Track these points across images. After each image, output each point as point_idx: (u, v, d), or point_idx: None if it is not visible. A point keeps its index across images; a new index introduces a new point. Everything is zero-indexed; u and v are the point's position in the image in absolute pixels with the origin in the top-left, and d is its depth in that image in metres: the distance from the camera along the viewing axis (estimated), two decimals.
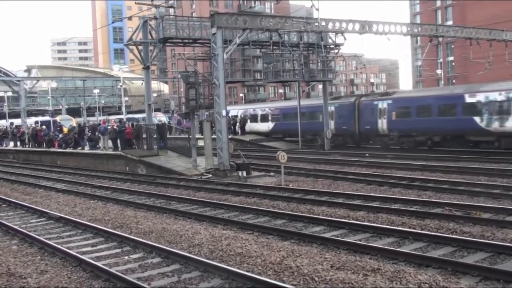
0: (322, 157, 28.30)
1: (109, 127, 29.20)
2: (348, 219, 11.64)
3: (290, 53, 30.32)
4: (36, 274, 8.47)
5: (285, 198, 15.02)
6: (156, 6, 26.54)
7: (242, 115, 43.62)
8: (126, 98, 71.67)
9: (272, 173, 21.62)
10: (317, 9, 27.06)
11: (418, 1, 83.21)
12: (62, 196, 18.16)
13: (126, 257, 9.39)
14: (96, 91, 69.20)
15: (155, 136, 26.42)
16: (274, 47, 29.29)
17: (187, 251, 9.37)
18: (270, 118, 41.79)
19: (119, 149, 27.31)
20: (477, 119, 26.16)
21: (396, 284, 7.03)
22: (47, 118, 52.34)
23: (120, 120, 32.25)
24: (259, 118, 42.87)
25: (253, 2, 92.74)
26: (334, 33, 29.89)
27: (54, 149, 33.83)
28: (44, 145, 35.40)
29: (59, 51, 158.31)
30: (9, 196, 18.27)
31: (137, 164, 24.81)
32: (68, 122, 46.95)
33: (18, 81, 52.02)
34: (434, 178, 17.52)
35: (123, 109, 58.51)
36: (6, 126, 50.47)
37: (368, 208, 12.75)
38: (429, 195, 14.63)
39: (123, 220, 12.72)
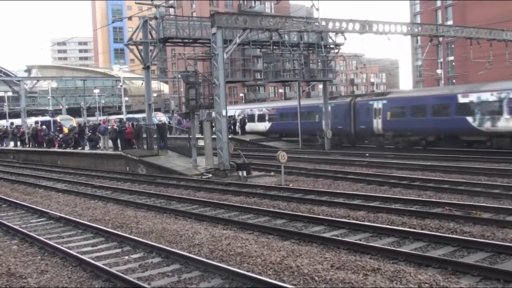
0: (322, 157, 28.31)
1: (109, 127, 29.20)
2: (348, 219, 11.64)
3: (290, 53, 30.35)
4: (36, 274, 8.47)
5: (285, 198, 15.02)
6: (156, 6, 26.56)
7: (240, 115, 43.68)
8: (126, 98, 71.69)
9: (272, 173, 21.62)
10: (317, 9, 27.09)
11: (418, 1, 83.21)
12: (63, 196, 18.16)
13: (126, 257, 9.39)
14: (96, 91, 69.24)
15: (155, 136, 26.42)
16: (274, 47, 29.31)
17: (187, 251, 9.37)
18: (267, 118, 42.09)
19: (119, 149, 27.32)
20: (469, 119, 26.45)
21: (396, 284, 7.03)
22: (47, 118, 52.38)
23: (120, 120, 32.25)
24: (256, 118, 43.13)
25: (253, 2, 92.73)
26: (334, 33, 29.90)
27: (54, 149, 33.84)
28: (44, 145, 35.41)
29: (59, 51, 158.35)
30: (9, 196, 18.28)
31: (137, 164, 24.81)
32: (68, 122, 46.98)
33: (18, 81, 52.05)
34: (435, 178, 17.52)
35: (123, 109, 58.56)
36: (6, 126, 50.49)
37: (368, 208, 12.75)
38: (429, 195, 14.63)
39: (123, 220, 12.72)
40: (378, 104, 32.02)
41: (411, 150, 28.57)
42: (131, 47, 28.63)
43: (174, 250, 9.28)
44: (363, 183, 17.42)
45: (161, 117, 49.26)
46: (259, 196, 15.67)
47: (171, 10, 31.78)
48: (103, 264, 8.66)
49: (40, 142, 36.25)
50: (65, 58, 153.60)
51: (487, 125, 25.74)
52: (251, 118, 43.31)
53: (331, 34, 30.89)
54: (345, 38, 30.36)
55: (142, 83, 33.17)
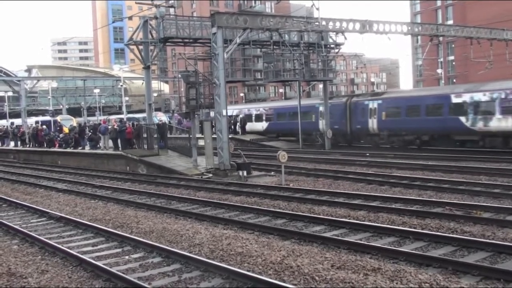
0: (323, 156, 28.31)
1: (109, 127, 29.20)
2: (349, 219, 11.64)
3: (290, 53, 30.36)
4: (36, 274, 8.47)
5: (286, 198, 15.02)
6: (157, 6, 26.56)
7: (238, 115, 43.79)
8: (127, 98, 71.68)
9: (272, 173, 21.62)
10: (317, 9, 27.05)
11: (418, 1, 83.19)
12: (63, 196, 18.16)
13: (127, 257, 9.39)
14: (96, 91, 69.25)
15: (155, 135, 26.42)
16: (274, 47, 29.32)
17: (187, 251, 9.37)
18: (264, 118, 42.40)
19: (120, 149, 27.31)
20: (462, 119, 26.74)
21: (397, 283, 7.03)
22: (47, 118, 52.39)
23: (121, 120, 32.26)
24: (253, 118, 43.43)
25: (253, 1, 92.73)
26: (334, 33, 29.93)
27: (54, 149, 33.85)
28: (45, 145, 35.42)
29: (59, 51, 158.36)
30: (9, 196, 18.29)
31: (138, 164, 24.82)
32: (69, 122, 47.00)
33: (19, 81, 52.08)
34: (435, 178, 17.51)
35: (124, 109, 58.56)
36: (7, 126, 50.51)
37: (369, 208, 12.75)
38: (430, 194, 14.63)
39: (123, 220, 12.73)
40: (373, 104, 32.30)
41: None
42: (131, 47, 28.64)
43: (174, 250, 9.28)
44: (364, 183, 17.42)
45: (161, 117, 49.26)
46: (259, 196, 15.67)
47: (171, 10, 31.78)
48: (104, 264, 8.66)
49: (41, 142, 36.26)
50: (66, 58, 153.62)
51: (480, 125, 26.04)
52: (248, 118, 43.56)
53: (331, 33, 30.91)
54: (345, 38, 30.45)
55: (143, 83, 33.19)
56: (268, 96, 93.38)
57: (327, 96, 34.64)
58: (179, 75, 30.93)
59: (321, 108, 35.73)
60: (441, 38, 41.99)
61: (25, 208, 15.57)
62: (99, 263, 8.67)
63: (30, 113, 59.97)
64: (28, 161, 35.16)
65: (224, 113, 21.75)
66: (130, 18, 46.42)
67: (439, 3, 78.86)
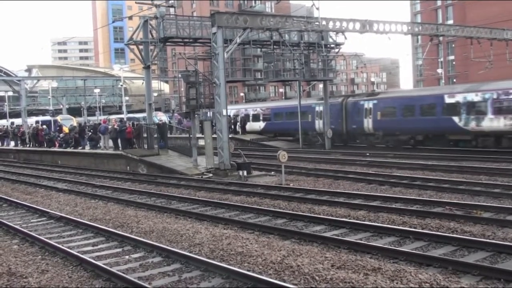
0: (323, 156, 28.31)
1: (109, 127, 29.20)
2: (349, 218, 11.64)
3: (290, 53, 30.34)
4: (37, 273, 8.47)
5: (286, 198, 15.02)
6: (157, 6, 26.55)
7: (236, 115, 43.95)
8: (127, 98, 71.73)
9: (272, 173, 21.62)
10: (317, 8, 27.06)
11: (418, 0, 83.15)
12: (63, 195, 18.17)
13: (127, 257, 9.40)
14: (96, 90, 69.24)
15: (155, 135, 26.43)
16: (274, 47, 29.31)
17: (187, 251, 9.37)
18: (261, 118, 42.70)
19: (120, 148, 27.32)
20: (455, 119, 27.11)
21: (397, 283, 7.03)
22: (47, 117, 52.40)
23: (121, 120, 32.25)
24: (251, 118, 43.68)
25: (253, 1, 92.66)
26: (334, 32, 29.93)
27: (54, 149, 33.85)
28: (45, 145, 35.42)
29: (59, 51, 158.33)
30: (10, 196, 18.29)
31: (138, 164, 24.82)
32: (69, 122, 46.99)
33: (19, 80, 52.05)
34: (435, 178, 17.52)
35: (124, 109, 58.56)
36: (7, 126, 50.51)
37: (369, 207, 12.74)
38: (430, 194, 14.63)
39: (123, 220, 12.73)
40: (368, 104, 32.65)
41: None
42: (131, 46, 28.63)
43: (174, 250, 9.28)
44: (364, 183, 17.42)
45: (161, 117, 49.28)
46: (259, 196, 15.67)
47: (172, 10, 31.78)
48: (104, 264, 8.66)
49: (41, 141, 36.27)
50: (66, 58, 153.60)
51: (472, 124, 26.40)
52: (246, 118, 43.83)
53: (331, 33, 30.90)
54: (345, 38, 30.51)
55: (143, 83, 33.21)
56: (268, 96, 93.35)
57: (327, 96, 34.65)
58: (179, 75, 30.89)
59: (317, 108, 36.19)
60: (441, 38, 41.99)
61: (25, 208, 15.58)
62: (99, 263, 8.67)
63: (30, 113, 59.95)
64: (28, 161, 35.17)
65: (224, 112, 21.76)
66: (130, 18, 46.47)
67: (439, 3, 78.83)
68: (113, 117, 51.95)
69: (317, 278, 7.35)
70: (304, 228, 11.11)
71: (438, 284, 6.89)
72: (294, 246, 9.35)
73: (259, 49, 37.16)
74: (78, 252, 9.63)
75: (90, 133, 31.91)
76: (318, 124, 36.01)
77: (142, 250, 9.76)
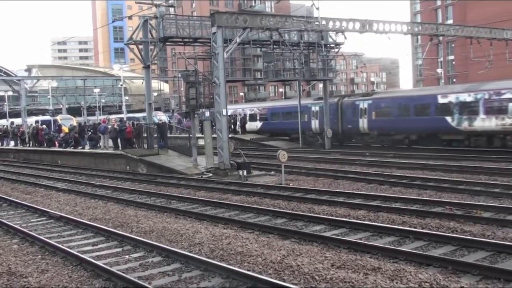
0: (323, 156, 28.32)
1: (109, 126, 29.20)
2: (349, 218, 11.64)
3: (290, 52, 30.36)
4: (37, 273, 8.47)
5: (286, 197, 15.02)
6: (157, 5, 26.55)
7: (233, 115, 44.13)
8: (127, 97, 71.72)
9: (272, 172, 21.62)
10: (317, 8, 27.09)
11: (418, 0, 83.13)
12: (63, 195, 18.16)
13: (127, 256, 9.39)
14: (96, 90, 69.28)
15: (155, 135, 26.43)
16: (274, 46, 29.32)
17: (187, 250, 9.37)
18: (258, 117, 43.09)
19: (120, 148, 27.31)
20: (448, 118, 27.52)
21: (397, 283, 7.03)
22: (47, 117, 52.40)
23: (121, 119, 32.24)
24: (248, 118, 44.05)
25: (253, 1, 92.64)
26: (334, 32, 29.93)
27: (54, 149, 33.84)
28: (45, 145, 35.41)
29: (59, 51, 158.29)
30: (10, 196, 18.29)
31: (138, 163, 24.82)
32: (69, 122, 46.98)
33: (19, 80, 52.01)
34: (435, 177, 17.52)
35: (124, 108, 58.57)
36: (7, 126, 50.50)
37: (369, 207, 12.75)
38: (430, 194, 14.64)
39: (123, 219, 12.73)
40: (363, 104, 33.01)
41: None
42: (131, 46, 28.63)
43: (174, 249, 9.28)
44: (364, 182, 17.42)
45: (161, 116, 49.25)
46: (259, 195, 15.67)
47: (171, 10, 31.77)
48: (104, 263, 8.66)
49: (41, 141, 36.26)
50: (65, 58, 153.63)
51: (465, 124, 26.79)
52: (245, 117, 44.08)
53: (331, 33, 30.90)
54: (345, 37, 30.51)
55: (142, 83, 33.17)
56: (268, 96, 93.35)
57: (327, 96, 34.70)
58: (179, 75, 30.90)
59: (313, 108, 36.63)
60: (441, 38, 41.98)
61: (25, 208, 15.57)
62: (99, 263, 8.67)
63: (30, 113, 59.95)
64: (28, 161, 35.16)
65: (224, 112, 21.76)
66: (130, 17, 46.48)
67: (439, 2, 78.81)
68: (113, 116, 51.93)
69: (317, 277, 7.35)
70: (304, 228, 11.11)
71: (438, 284, 6.89)
72: (294, 245, 9.35)
73: (259, 49, 37.13)
74: (78, 251, 9.63)
75: (90, 133, 31.91)
76: (315, 124, 36.47)
77: (142, 249, 9.76)
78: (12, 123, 54.12)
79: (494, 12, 50.00)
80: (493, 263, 8.10)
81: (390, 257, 8.48)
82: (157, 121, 33.93)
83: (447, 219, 11.03)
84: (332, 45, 32.83)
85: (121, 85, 61.63)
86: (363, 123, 32.86)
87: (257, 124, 42.81)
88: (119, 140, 27.45)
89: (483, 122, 25.93)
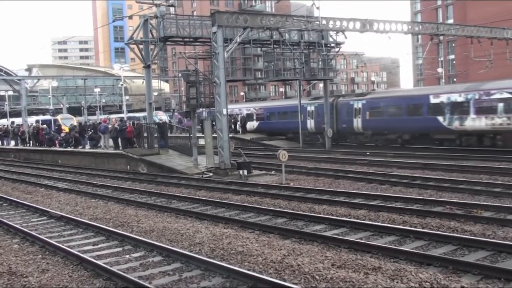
0: (323, 155, 28.32)
1: (109, 126, 29.20)
2: (349, 218, 11.64)
3: (291, 52, 30.36)
4: (37, 273, 8.47)
5: (286, 197, 15.02)
6: (157, 5, 26.54)
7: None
8: (127, 97, 71.72)
9: (273, 172, 21.62)
10: (317, 8, 27.08)
11: (419, 0, 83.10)
12: (63, 195, 18.17)
13: (127, 256, 9.40)
14: (97, 90, 69.27)
15: (156, 135, 26.43)
16: (274, 46, 29.32)
17: (188, 250, 9.37)
18: (255, 117, 43.43)
19: (120, 148, 27.32)
20: (440, 118, 27.92)
21: (397, 282, 7.03)
22: (47, 117, 52.41)
23: (121, 119, 32.25)
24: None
25: (253, 1, 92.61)
26: (335, 32, 29.90)
27: (55, 148, 33.85)
28: (45, 144, 35.42)
29: (59, 50, 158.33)
30: (10, 195, 18.29)
31: (138, 163, 24.82)
32: (69, 121, 47.01)
33: (19, 80, 52.07)
34: (435, 177, 17.52)
35: (124, 108, 58.58)
36: (7, 125, 50.52)
37: (369, 207, 12.75)
38: (430, 193, 14.63)
39: (124, 219, 12.73)
40: (358, 104, 33.39)
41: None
42: (131, 46, 28.61)
43: (175, 249, 9.28)
44: (364, 182, 17.42)
45: (162, 116, 49.24)
46: (260, 195, 15.67)
47: (172, 9, 31.76)
48: (104, 263, 8.66)
49: (41, 141, 36.27)
50: (66, 57, 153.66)
51: (456, 124, 27.19)
52: (245, 117, 44.12)
53: (331, 32, 30.88)
54: (345, 37, 30.47)
55: (143, 82, 33.18)
56: (268, 95, 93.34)
57: (327, 95, 34.73)
58: (180, 74, 30.93)
59: (308, 108, 36.95)
60: (441, 37, 41.95)
61: (26, 207, 15.57)
62: (100, 262, 8.67)
63: (31, 112, 60.02)
64: (28, 160, 35.17)
65: (225, 112, 21.75)
66: (130, 17, 46.44)
67: (439, 2, 78.77)
68: (113, 116, 51.96)
69: (317, 277, 7.35)
70: (305, 228, 11.11)
71: (439, 284, 6.89)
72: (294, 245, 9.35)
73: (259, 49, 37.16)
74: (78, 251, 9.63)
75: (90, 133, 31.91)
76: (310, 123, 36.83)
77: (142, 249, 9.76)
78: (12, 122, 54.14)
79: (494, 12, 49.94)
80: (494, 262, 8.10)
81: (391, 257, 8.48)
82: (157, 120, 33.94)
83: (447, 219, 11.03)
84: (332, 45, 32.83)
85: (122, 84, 61.66)
86: (357, 122, 33.23)
87: (254, 124, 43.24)
88: (119, 140, 27.46)
89: (474, 122, 26.34)
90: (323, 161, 25.09)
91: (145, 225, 11.83)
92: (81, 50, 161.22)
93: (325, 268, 7.70)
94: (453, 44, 72.30)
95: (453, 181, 16.35)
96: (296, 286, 7.03)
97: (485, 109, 25.93)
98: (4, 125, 49.87)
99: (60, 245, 10.08)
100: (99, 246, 10.35)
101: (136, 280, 7.64)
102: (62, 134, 34.91)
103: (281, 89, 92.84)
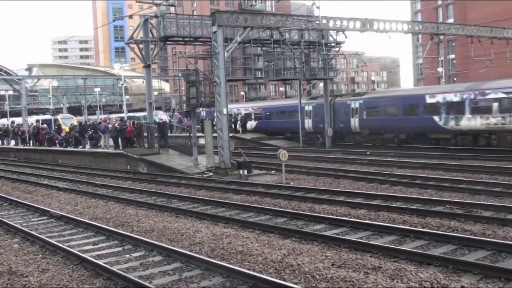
0: (323, 155, 28.31)
1: (110, 126, 29.20)
2: (349, 217, 11.64)
3: (291, 51, 30.36)
4: (37, 272, 8.47)
5: (286, 196, 15.02)
6: (157, 5, 26.52)
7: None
8: (127, 97, 71.70)
9: (273, 172, 21.62)
10: (317, 7, 27.07)
11: None
12: (64, 194, 18.17)
13: (128, 256, 9.40)
14: (97, 89, 69.25)
15: (156, 134, 26.43)
16: (275, 45, 29.32)
17: (188, 250, 9.37)
18: (253, 117, 43.66)
19: (120, 147, 27.32)
20: (436, 118, 28.10)
21: (397, 282, 7.03)
22: (48, 116, 52.41)
23: (121, 119, 32.24)
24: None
25: (253, 0, 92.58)
26: (335, 31, 29.89)
27: (55, 148, 33.85)
28: (45, 144, 35.41)
29: (60, 50, 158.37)
30: (10, 195, 18.29)
31: (138, 163, 24.82)
32: (69, 121, 47.01)
33: (19, 79, 52.06)
34: (435, 176, 17.51)
35: (124, 108, 58.57)
36: (7, 125, 50.52)
37: (369, 206, 12.75)
38: (430, 193, 14.63)
39: (124, 219, 12.73)
40: (355, 104, 33.55)
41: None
42: (132, 45, 28.61)
43: (175, 249, 9.28)
44: (364, 182, 17.42)
45: (162, 116, 49.23)
46: (260, 195, 15.67)
47: (172, 9, 31.74)
48: (104, 263, 8.66)
49: (41, 140, 36.27)
50: (66, 57, 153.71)
51: (452, 123, 27.39)
52: (246, 117, 44.25)
53: (331, 32, 30.88)
54: (345, 36, 30.46)
55: (143, 82, 33.16)
56: (269, 95, 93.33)
57: (328, 95, 34.75)
58: (180, 74, 30.90)
59: (306, 108, 37.09)
60: (441, 37, 41.94)
61: (26, 207, 15.58)
62: (100, 262, 8.67)
63: (31, 112, 60.01)
64: (28, 160, 35.17)
65: (225, 111, 21.75)
66: (130, 16, 46.44)
67: (439, 1, 78.70)
68: (113, 116, 51.95)
69: (317, 277, 7.35)
70: (305, 227, 11.11)
71: (439, 283, 6.89)
72: (294, 245, 9.35)
73: (259, 48, 37.25)
74: (78, 251, 9.63)
75: (90, 132, 31.91)
76: (308, 123, 36.98)
77: (142, 249, 9.76)
78: (12, 122, 54.13)
79: (494, 11, 49.92)
80: (494, 262, 8.10)
81: (391, 256, 8.48)
82: (157, 120, 33.92)
83: (447, 218, 11.03)
84: (332, 44, 32.84)
85: (122, 84, 61.63)
86: (354, 122, 33.39)
87: (252, 124, 43.46)
88: (119, 140, 27.46)
89: (469, 122, 26.52)
90: (323, 161, 25.09)
91: (145, 224, 11.84)
92: (81, 49, 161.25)
93: (325, 268, 7.70)
94: (453, 44, 72.26)
95: (453, 180, 16.34)
96: (296, 285, 7.03)
97: (480, 109, 26.11)
98: (4, 125, 49.86)
99: (60, 244, 10.08)
100: (99, 245, 10.35)
101: (136, 279, 7.64)
102: (62, 134, 34.90)
103: (282, 89, 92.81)
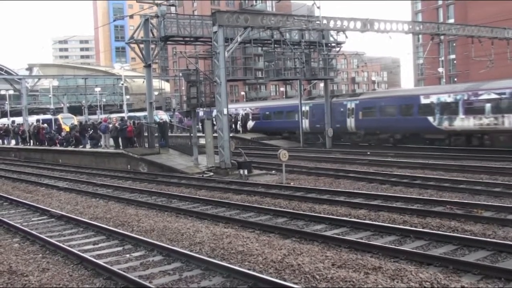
0: (324, 155, 28.31)
1: (110, 125, 29.20)
2: (350, 217, 11.64)
3: (291, 51, 30.35)
4: (37, 272, 8.48)
5: (287, 196, 15.02)
6: (158, 5, 26.53)
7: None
8: (128, 96, 71.67)
9: (273, 172, 21.62)
10: (318, 7, 27.05)
11: None
12: (64, 194, 18.18)
13: (128, 255, 9.40)
14: (97, 89, 69.23)
15: (156, 134, 26.44)
16: (275, 45, 29.32)
17: (188, 249, 9.38)
18: (251, 117, 43.80)
19: (121, 147, 27.32)
20: (430, 118, 28.34)
21: (398, 282, 7.03)
22: (48, 116, 52.42)
23: (122, 118, 32.24)
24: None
25: (254, 0, 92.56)
26: (335, 31, 29.90)
27: (55, 148, 33.85)
28: (46, 144, 35.41)
29: (60, 50, 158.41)
30: (10, 194, 18.30)
31: (139, 162, 24.83)
32: (70, 121, 47.03)
33: (20, 79, 52.09)
34: (436, 176, 17.51)
35: (125, 107, 58.58)
36: (8, 124, 50.53)
37: (370, 206, 12.74)
38: (431, 193, 14.63)
39: (124, 218, 12.73)
40: (351, 104, 33.74)
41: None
42: (132, 45, 28.61)
43: (175, 249, 9.28)
44: (364, 182, 17.42)
45: (162, 116, 49.25)
46: (260, 195, 15.67)
47: (172, 9, 31.75)
48: (104, 262, 8.67)
49: (42, 140, 36.27)
50: (67, 57, 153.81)
51: (445, 124, 27.65)
52: (246, 117, 44.35)
53: (332, 32, 30.89)
54: (346, 37, 30.47)
55: (143, 82, 33.13)
56: (269, 95, 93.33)
57: (328, 95, 34.77)
58: (180, 74, 30.89)
59: (303, 108, 37.18)
60: (442, 37, 41.78)
61: (26, 207, 15.58)
62: (100, 262, 8.68)
63: (31, 112, 60.02)
64: (29, 160, 35.18)
65: (225, 111, 21.75)
66: (131, 16, 46.43)
67: (440, 2, 78.69)
68: (114, 115, 51.95)
69: (317, 277, 7.35)
70: (305, 227, 11.11)
71: (439, 283, 6.89)
72: (294, 245, 9.35)
73: (260, 48, 37.27)
74: (78, 250, 9.64)
75: (91, 132, 31.91)
76: (305, 123, 37.05)
77: (142, 248, 9.76)
78: (13, 122, 54.16)
79: (495, 11, 49.87)
80: (494, 262, 8.10)
81: (391, 257, 8.48)
82: (158, 120, 33.92)
83: (447, 219, 11.03)
84: (333, 44, 32.84)
85: (122, 84, 61.64)
86: (350, 122, 33.56)
87: (250, 124, 43.61)
88: (120, 139, 27.47)
89: (462, 122, 26.75)
90: (323, 161, 25.09)
91: (145, 224, 11.84)
92: (81, 49, 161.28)
93: (326, 268, 7.70)
94: (454, 44, 72.26)
95: (453, 181, 16.34)
96: (296, 285, 7.03)
97: (474, 110, 26.33)
98: (4, 124, 49.86)
99: (60, 244, 10.08)
100: (100, 245, 10.35)
101: (137, 279, 7.64)
102: (63, 134, 34.91)
103: (282, 89, 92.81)
